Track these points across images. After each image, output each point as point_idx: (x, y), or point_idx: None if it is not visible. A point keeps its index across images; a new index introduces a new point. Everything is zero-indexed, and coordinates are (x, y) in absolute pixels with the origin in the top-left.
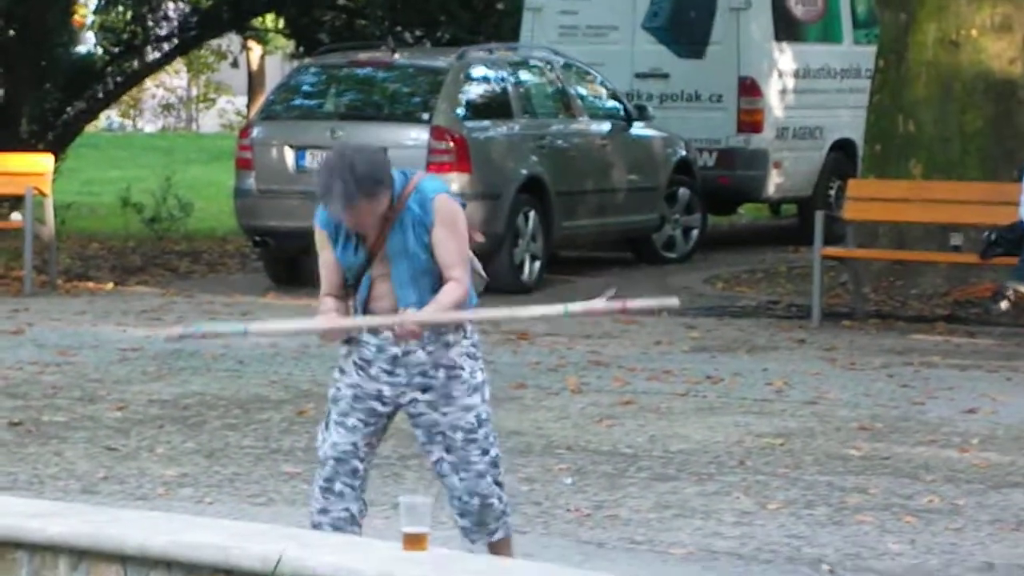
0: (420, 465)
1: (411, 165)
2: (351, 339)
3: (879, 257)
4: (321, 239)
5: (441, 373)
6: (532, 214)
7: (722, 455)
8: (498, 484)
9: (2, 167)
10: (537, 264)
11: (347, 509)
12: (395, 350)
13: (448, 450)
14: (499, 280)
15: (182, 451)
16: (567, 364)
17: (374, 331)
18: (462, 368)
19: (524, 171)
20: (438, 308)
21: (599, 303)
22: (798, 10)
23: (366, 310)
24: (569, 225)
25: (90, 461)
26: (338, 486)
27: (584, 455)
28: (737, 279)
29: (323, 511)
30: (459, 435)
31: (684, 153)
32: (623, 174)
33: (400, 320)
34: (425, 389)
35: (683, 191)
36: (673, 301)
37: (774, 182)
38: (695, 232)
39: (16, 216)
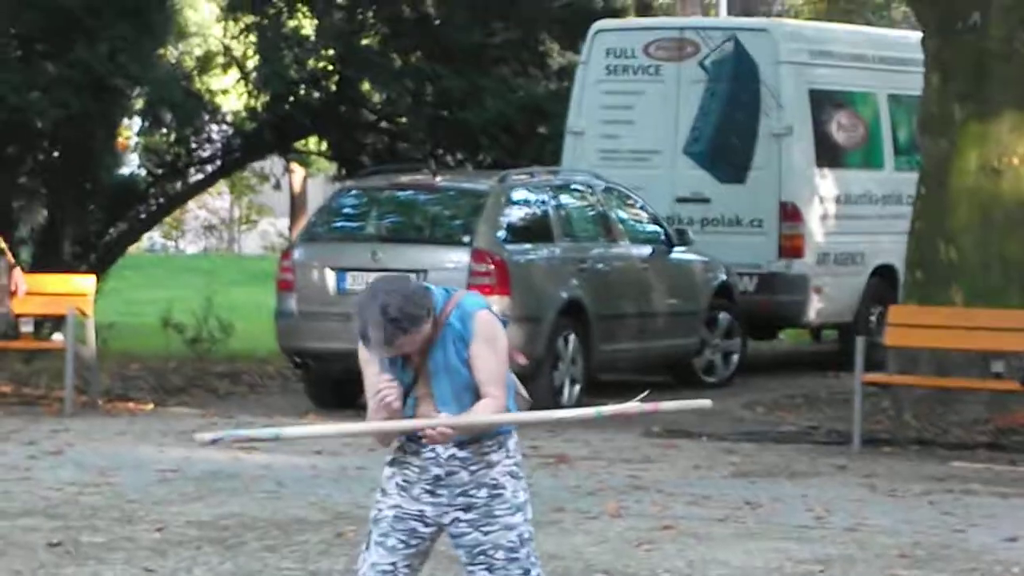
0: None
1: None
2: (394, 460)
3: (920, 384)
4: (365, 356)
5: (483, 492)
6: (572, 337)
7: None
8: None
9: (44, 288)
10: (577, 388)
11: None
12: (437, 471)
13: (490, 570)
14: (538, 403)
15: (220, 573)
16: (606, 488)
17: (415, 451)
18: (504, 488)
19: (564, 294)
20: (472, 417)
21: (632, 405)
22: (839, 136)
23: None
24: (609, 348)
25: None
26: None
27: None
28: (777, 404)
29: None
30: (501, 554)
31: (724, 277)
32: (663, 298)
33: (432, 423)
34: (468, 508)
35: (723, 315)
36: (706, 403)
37: (815, 307)
38: (735, 357)
39: (58, 336)
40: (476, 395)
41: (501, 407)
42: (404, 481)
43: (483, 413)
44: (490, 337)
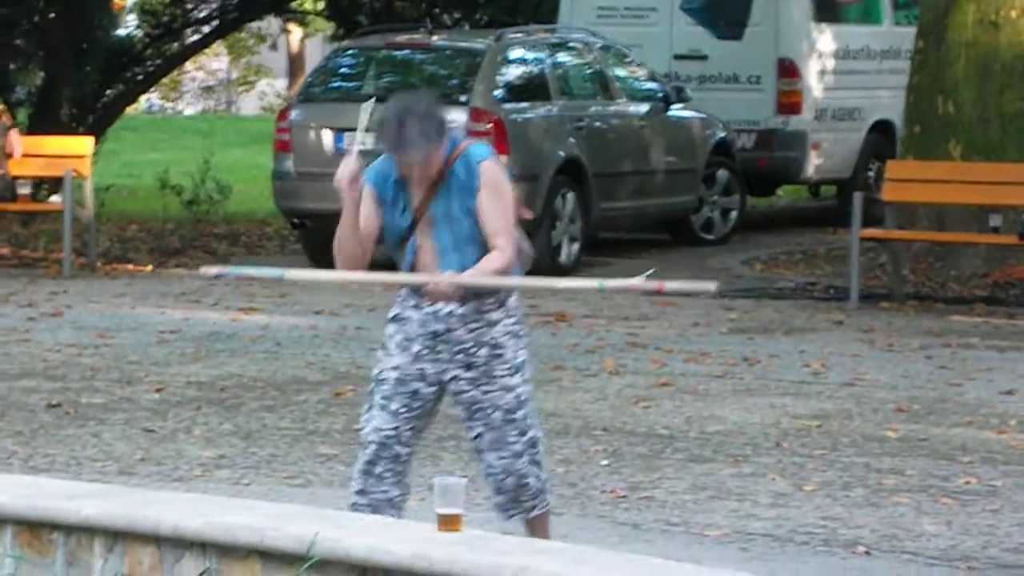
0: (457, 447)
1: None
2: (396, 316)
3: (918, 238)
4: (368, 194)
5: (484, 351)
6: (570, 196)
7: (758, 437)
8: (536, 464)
9: (42, 150)
10: (575, 246)
11: (386, 492)
12: (436, 326)
13: (488, 427)
14: (536, 262)
15: (219, 433)
16: (605, 346)
17: (416, 305)
18: (504, 347)
19: (562, 153)
20: (477, 275)
21: (636, 281)
22: None
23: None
24: (607, 207)
25: (128, 443)
26: (378, 469)
27: (621, 436)
28: (775, 261)
29: (361, 492)
30: (498, 414)
31: (722, 134)
32: (661, 155)
33: (435, 279)
34: (468, 366)
35: (721, 172)
36: (709, 285)
37: (813, 163)
38: (733, 214)
39: (56, 198)
40: (478, 247)
41: (509, 259)
42: (405, 339)
43: (491, 266)
44: (496, 187)
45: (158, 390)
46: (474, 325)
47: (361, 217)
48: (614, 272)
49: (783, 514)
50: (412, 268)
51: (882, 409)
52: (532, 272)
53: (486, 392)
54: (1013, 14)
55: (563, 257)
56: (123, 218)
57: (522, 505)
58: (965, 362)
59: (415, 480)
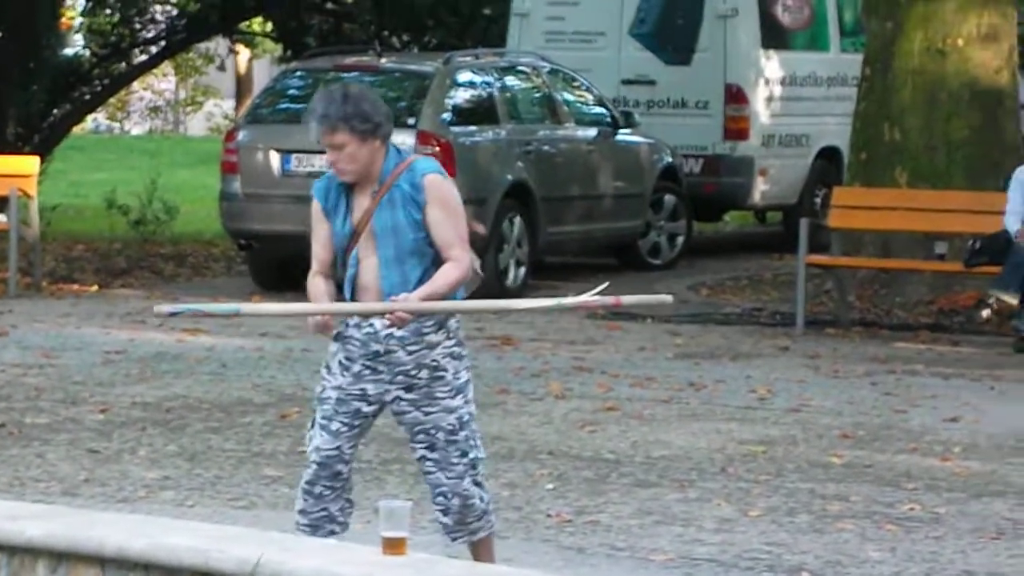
0: (402, 470)
1: None
2: (339, 335)
3: (863, 265)
4: (316, 211)
5: (424, 373)
6: (517, 219)
7: (704, 462)
8: (478, 484)
9: None
10: (522, 270)
11: (325, 509)
12: (377, 347)
13: (431, 448)
14: (484, 285)
15: (164, 454)
16: (551, 369)
17: (358, 324)
18: (445, 370)
19: (510, 176)
20: (433, 290)
21: (593, 297)
22: (785, 18)
23: (354, 287)
24: (554, 231)
25: (72, 463)
26: (318, 489)
27: (566, 460)
28: (722, 286)
29: (302, 512)
30: (441, 435)
31: (670, 160)
32: (609, 180)
33: (392, 307)
34: (409, 388)
35: (669, 198)
36: (666, 297)
37: (760, 189)
38: (680, 239)
39: (1, 218)
40: (420, 260)
41: (464, 271)
42: (346, 359)
43: (448, 278)
44: (444, 200)
45: (103, 411)
46: (413, 348)
47: (316, 241)
48: (561, 295)
49: (728, 539)
50: (354, 281)
51: (827, 435)
52: (478, 296)
53: (428, 413)
54: (960, 42)
55: (510, 281)
56: (69, 238)
57: (468, 527)
58: (910, 389)
59: (361, 503)
